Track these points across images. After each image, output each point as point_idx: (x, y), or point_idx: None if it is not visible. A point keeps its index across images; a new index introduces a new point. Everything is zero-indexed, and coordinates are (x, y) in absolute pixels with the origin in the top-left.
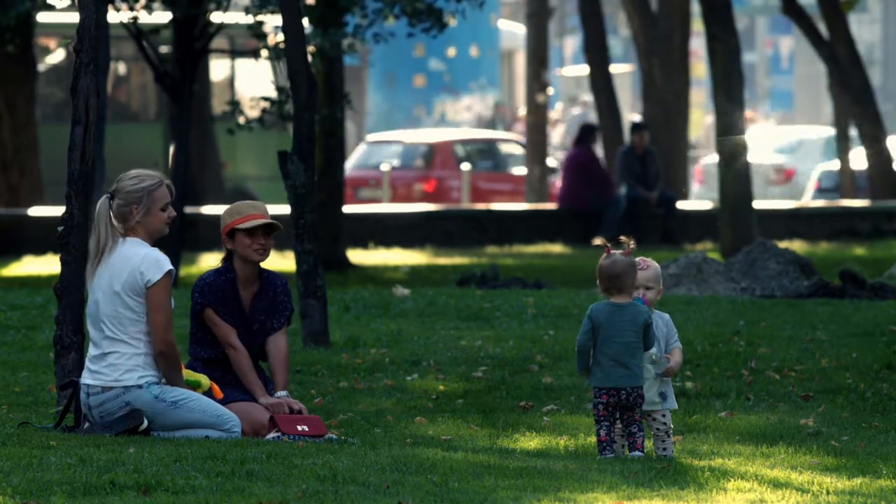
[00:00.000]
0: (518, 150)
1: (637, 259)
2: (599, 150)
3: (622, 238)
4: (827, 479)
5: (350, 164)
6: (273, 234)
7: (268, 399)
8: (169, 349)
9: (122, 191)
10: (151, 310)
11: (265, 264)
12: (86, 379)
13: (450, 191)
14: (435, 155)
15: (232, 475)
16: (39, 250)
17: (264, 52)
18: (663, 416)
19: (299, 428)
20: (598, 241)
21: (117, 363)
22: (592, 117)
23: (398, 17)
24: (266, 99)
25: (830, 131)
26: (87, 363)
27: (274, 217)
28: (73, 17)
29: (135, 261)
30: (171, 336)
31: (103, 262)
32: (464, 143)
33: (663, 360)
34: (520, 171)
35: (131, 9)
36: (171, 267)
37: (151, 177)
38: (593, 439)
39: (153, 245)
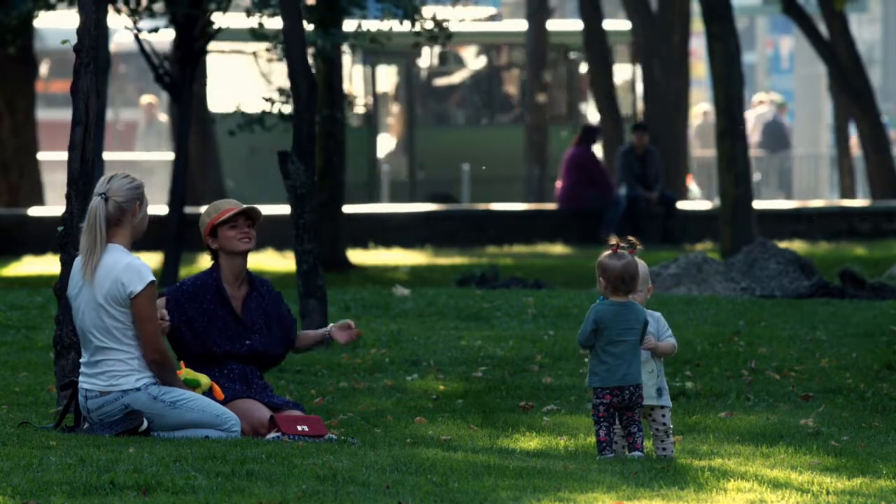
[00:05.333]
0: None
1: None
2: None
3: (630, 239)
4: (827, 479)
5: None
6: (255, 224)
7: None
8: (161, 357)
9: (120, 189)
10: (138, 321)
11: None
12: (83, 383)
13: None
14: None
15: (232, 475)
16: (39, 250)
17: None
18: (663, 415)
19: (299, 428)
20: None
21: (112, 370)
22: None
23: (402, 22)
24: (266, 99)
25: None
26: (83, 367)
27: (274, 217)
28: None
29: (116, 271)
30: (163, 344)
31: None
32: None
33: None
34: None
35: (132, 10)
36: (153, 278)
37: (135, 177)
38: (593, 439)
39: (132, 250)
